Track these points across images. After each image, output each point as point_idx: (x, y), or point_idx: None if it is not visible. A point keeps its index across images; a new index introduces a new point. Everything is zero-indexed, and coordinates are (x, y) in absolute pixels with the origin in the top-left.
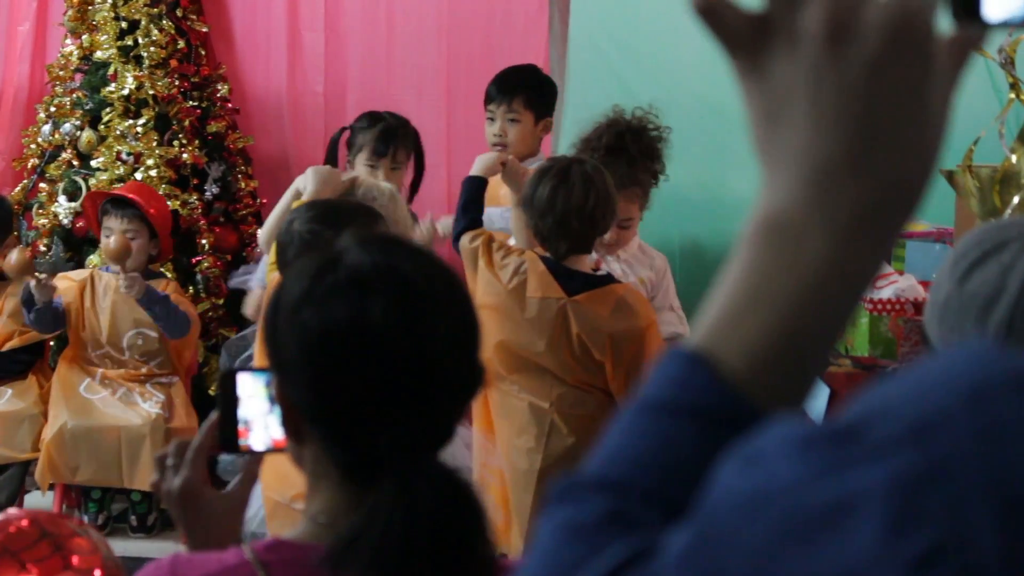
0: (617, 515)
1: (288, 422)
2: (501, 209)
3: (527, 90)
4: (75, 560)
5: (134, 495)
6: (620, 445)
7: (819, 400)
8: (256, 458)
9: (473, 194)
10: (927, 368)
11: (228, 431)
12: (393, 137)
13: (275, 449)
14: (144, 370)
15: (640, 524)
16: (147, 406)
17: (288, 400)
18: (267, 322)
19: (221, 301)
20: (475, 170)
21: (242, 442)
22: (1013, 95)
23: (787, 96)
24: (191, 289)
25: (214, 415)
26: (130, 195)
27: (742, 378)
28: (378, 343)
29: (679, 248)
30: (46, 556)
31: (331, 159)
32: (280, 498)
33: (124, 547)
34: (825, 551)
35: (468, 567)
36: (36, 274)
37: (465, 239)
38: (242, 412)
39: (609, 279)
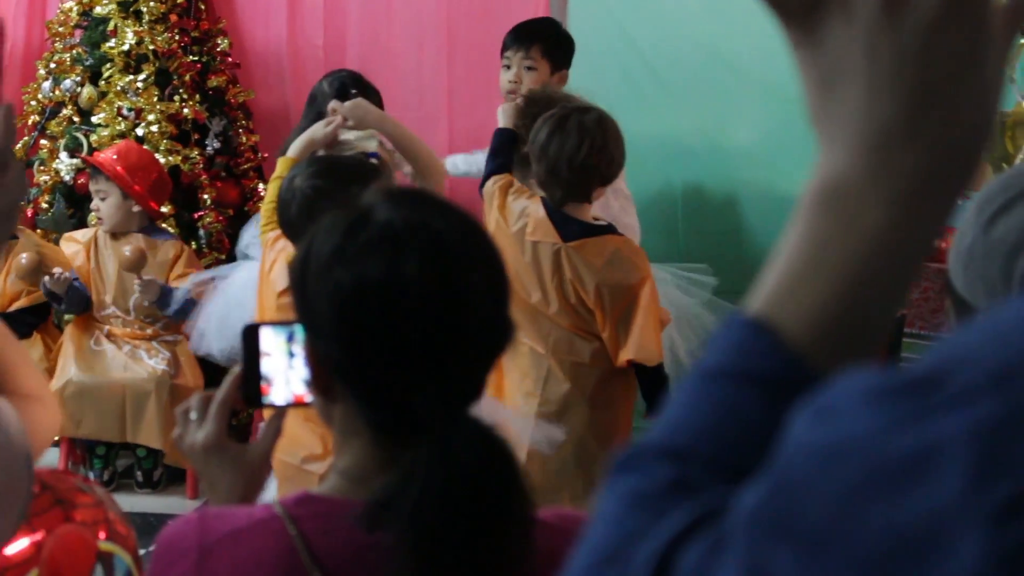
0: (682, 483)
1: (318, 379)
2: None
3: (545, 40)
4: (78, 515)
5: (139, 451)
6: (683, 413)
7: None
8: (279, 412)
9: (503, 143)
10: (1005, 314)
11: (252, 385)
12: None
13: (296, 404)
14: (150, 331)
15: (705, 491)
16: (153, 363)
17: (319, 357)
18: (296, 280)
19: (224, 256)
20: (502, 122)
21: (264, 399)
22: None
23: (842, 64)
24: (194, 244)
25: (236, 369)
26: (96, 159)
27: (803, 345)
28: (413, 299)
29: (682, 194)
30: (46, 508)
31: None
32: (291, 459)
33: (131, 503)
34: (908, 500)
35: (506, 524)
36: (49, 270)
37: (489, 183)
38: (263, 367)
39: (609, 229)
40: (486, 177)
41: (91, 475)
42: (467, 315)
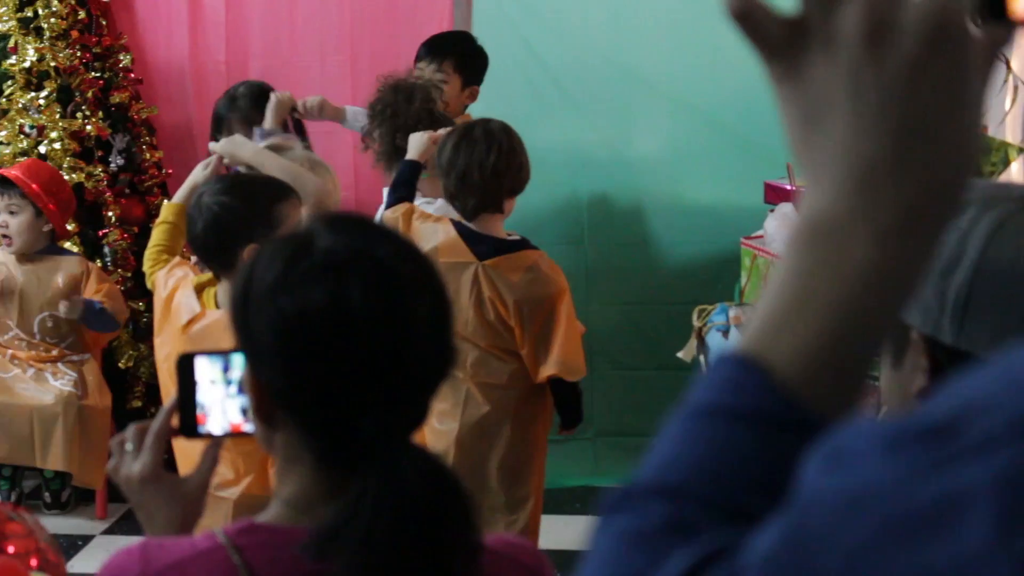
0: (678, 522)
1: (259, 408)
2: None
3: (458, 54)
4: (9, 545)
5: (47, 472)
6: (675, 451)
7: None
8: (216, 443)
9: (407, 176)
10: (1020, 360)
11: (188, 416)
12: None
13: (234, 434)
14: (55, 351)
15: (702, 530)
16: (59, 384)
17: (260, 386)
18: (236, 308)
19: (129, 274)
20: (410, 154)
21: (200, 428)
22: None
23: (825, 99)
24: (99, 262)
25: (172, 399)
26: (11, 173)
27: (793, 381)
28: (357, 328)
29: (587, 205)
30: None
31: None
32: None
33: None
34: (931, 550)
35: (455, 551)
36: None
37: (388, 212)
38: (199, 397)
39: (523, 244)
40: (388, 206)
41: None
42: (412, 342)
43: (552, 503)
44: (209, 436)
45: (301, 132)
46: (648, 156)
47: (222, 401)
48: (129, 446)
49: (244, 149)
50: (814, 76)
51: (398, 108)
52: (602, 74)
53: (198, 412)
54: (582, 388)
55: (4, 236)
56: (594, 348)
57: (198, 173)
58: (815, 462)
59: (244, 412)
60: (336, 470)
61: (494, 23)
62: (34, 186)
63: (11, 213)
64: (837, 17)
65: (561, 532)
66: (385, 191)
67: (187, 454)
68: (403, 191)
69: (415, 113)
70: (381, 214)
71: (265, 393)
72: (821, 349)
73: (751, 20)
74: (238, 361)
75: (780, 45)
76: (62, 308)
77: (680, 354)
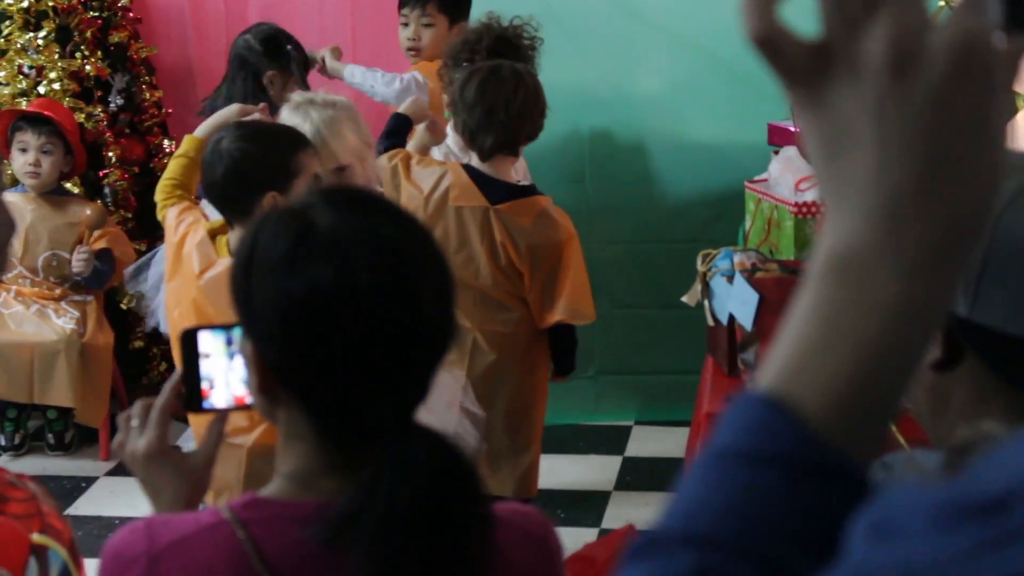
0: (706, 571)
1: (262, 385)
2: None
3: None
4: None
5: (50, 412)
6: (701, 497)
7: (749, 307)
8: (221, 416)
9: (397, 127)
10: None
11: (192, 391)
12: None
13: (238, 407)
14: (58, 290)
15: None
16: (61, 322)
17: (263, 364)
18: (237, 285)
19: (131, 214)
20: (404, 109)
21: (204, 402)
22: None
23: (849, 127)
24: (99, 202)
25: (176, 374)
26: (45, 111)
27: (821, 422)
28: (365, 308)
29: (589, 142)
30: None
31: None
32: None
33: (43, 465)
34: None
35: (469, 528)
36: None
37: (383, 159)
38: (204, 370)
39: (532, 190)
40: (379, 153)
41: (1, 438)
42: (418, 321)
43: (553, 442)
44: (213, 410)
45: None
46: (650, 93)
47: (225, 373)
48: (134, 422)
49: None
50: (838, 104)
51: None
52: (603, 11)
53: (204, 385)
54: (578, 336)
55: (35, 174)
56: (595, 286)
57: (232, 115)
58: (863, 530)
59: (247, 384)
60: (341, 446)
61: None
62: (67, 125)
63: (44, 152)
64: (861, 43)
65: (563, 471)
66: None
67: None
68: (395, 139)
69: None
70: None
71: (268, 371)
72: (850, 387)
73: (773, 46)
74: (239, 334)
75: (803, 72)
76: (75, 264)
77: (684, 298)
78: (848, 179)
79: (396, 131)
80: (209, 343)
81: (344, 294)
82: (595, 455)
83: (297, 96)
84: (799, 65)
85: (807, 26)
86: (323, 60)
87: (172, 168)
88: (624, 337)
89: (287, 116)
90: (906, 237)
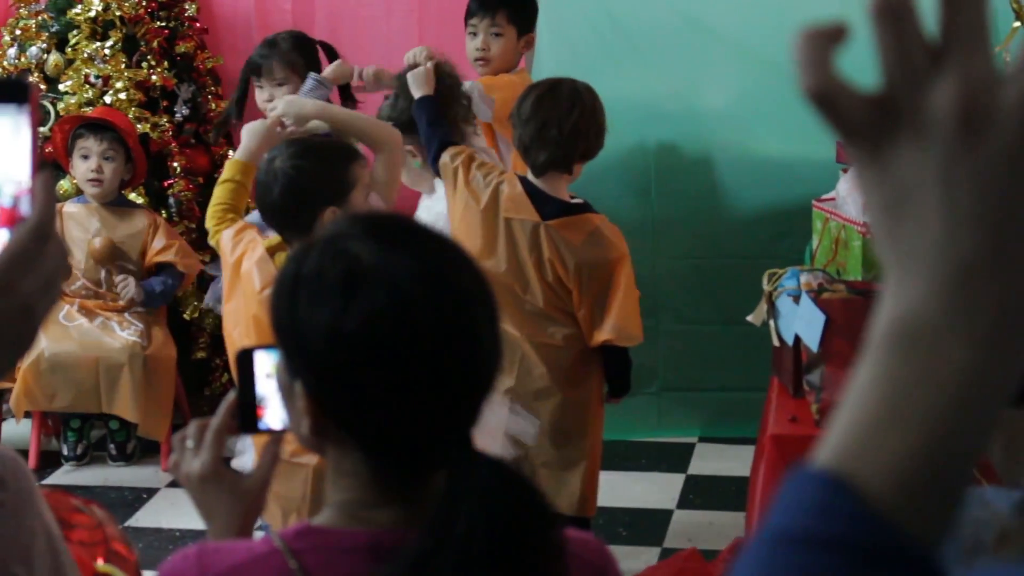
0: None
1: (312, 421)
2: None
3: (510, 5)
4: (75, 535)
5: (112, 423)
6: None
7: (815, 328)
8: (276, 437)
9: (433, 112)
10: None
11: (247, 411)
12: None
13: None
14: (123, 302)
15: None
16: (125, 334)
17: (312, 397)
18: (281, 319)
19: (194, 225)
20: (418, 90)
21: (260, 423)
22: (1018, 23)
23: (914, 187)
24: (164, 213)
25: (231, 395)
26: (107, 118)
27: (887, 503)
28: (420, 342)
29: (655, 157)
30: None
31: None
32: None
33: (104, 475)
34: None
35: (546, 554)
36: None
37: (446, 156)
38: (259, 390)
39: (586, 208)
40: (439, 148)
41: (64, 448)
42: (474, 351)
43: (616, 458)
44: (269, 431)
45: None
46: (717, 108)
47: (278, 394)
48: (189, 443)
49: (306, 106)
50: (901, 162)
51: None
52: (671, 24)
53: (257, 406)
54: (632, 358)
55: (97, 181)
56: (659, 302)
57: (256, 132)
58: None
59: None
60: (395, 478)
61: None
62: (128, 131)
63: (106, 159)
64: (927, 98)
65: (625, 488)
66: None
67: None
68: (443, 128)
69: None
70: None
71: (318, 404)
72: (917, 465)
73: (830, 101)
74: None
75: (863, 128)
76: (121, 294)
77: (749, 318)
78: (912, 243)
79: (436, 117)
80: (263, 362)
81: (398, 329)
82: (658, 472)
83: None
84: (859, 121)
85: (866, 77)
86: (375, 76)
87: (219, 193)
88: (688, 353)
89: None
90: (977, 307)
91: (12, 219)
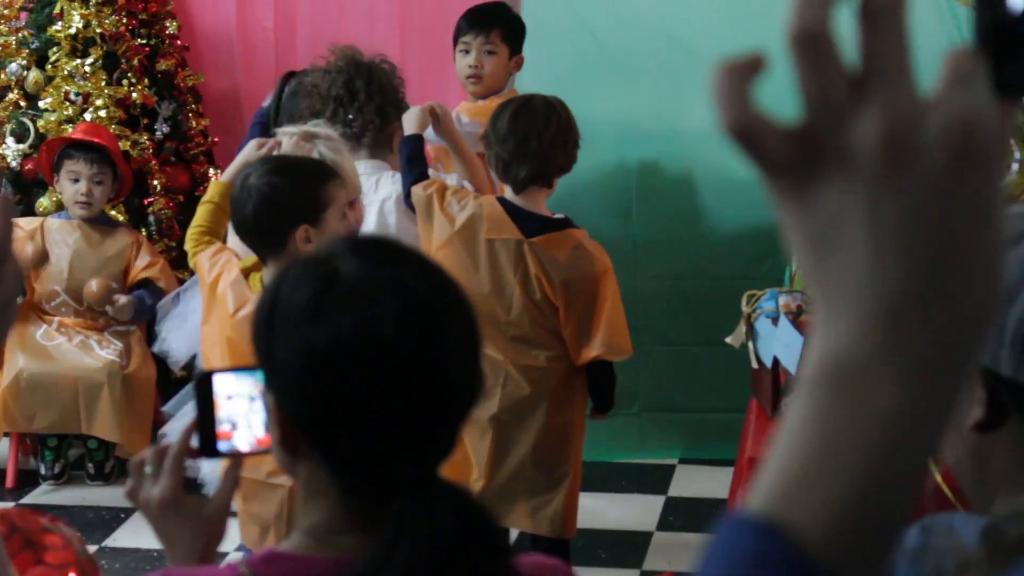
0: None
1: (284, 438)
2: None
3: (504, 24)
4: (48, 557)
5: (91, 443)
6: None
7: (793, 350)
8: (237, 462)
9: (414, 150)
10: None
11: (207, 436)
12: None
13: (261, 450)
14: (101, 320)
15: None
16: (104, 353)
17: (284, 416)
18: (259, 333)
19: (174, 243)
20: (408, 129)
21: (226, 444)
22: None
23: (839, 222)
24: (143, 231)
25: (191, 420)
26: (96, 139)
27: (822, 548)
28: (390, 360)
29: (637, 176)
30: (16, 552)
31: (278, 101)
32: (255, 475)
33: (82, 495)
34: None
35: None
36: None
37: (417, 188)
38: (226, 412)
39: (567, 223)
40: (412, 183)
41: (42, 467)
42: (444, 374)
43: (596, 480)
44: (228, 455)
45: None
46: (699, 128)
47: (247, 415)
48: (148, 468)
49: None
50: (826, 196)
51: (373, 88)
52: (652, 44)
53: (224, 428)
54: (617, 374)
55: (86, 204)
56: (640, 322)
57: (250, 153)
58: None
59: (268, 427)
60: (362, 502)
61: None
62: (116, 151)
63: (96, 182)
64: (850, 130)
65: (605, 510)
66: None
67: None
68: (420, 166)
69: (395, 87)
70: (400, 192)
71: (289, 423)
72: (851, 508)
73: (751, 137)
74: (260, 378)
75: (784, 162)
76: (110, 310)
77: (729, 339)
78: (840, 279)
79: (418, 156)
80: (229, 385)
81: (367, 345)
82: (638, 494)
83: (292, 128)
84: (780, 156)
85: (787, 109)
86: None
87: (200, 215)
88: (669, 374)
89: (292, 150)
90: (909, 343)
91: None
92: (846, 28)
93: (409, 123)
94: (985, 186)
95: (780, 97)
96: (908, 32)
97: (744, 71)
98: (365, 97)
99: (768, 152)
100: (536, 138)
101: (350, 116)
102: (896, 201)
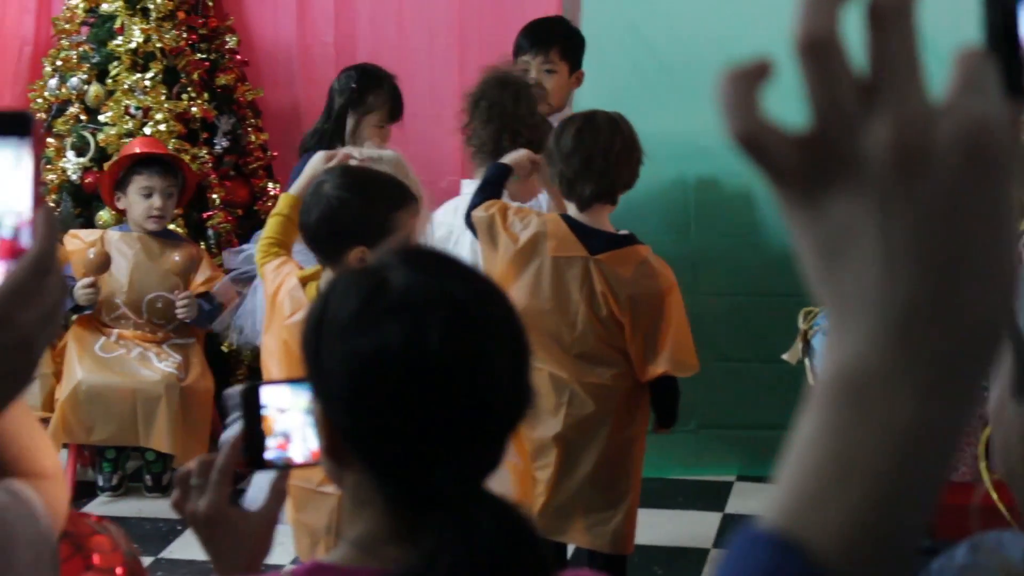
0: None
1: (330, 446)
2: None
3: (563, 41)
4: (96, 559)
5: (148, 454)
6: None
7: None
8: (283, 474)
9: (497, 177)
10: None
11: (254, 447)
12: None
13: (312, 462)
14: (160, 333)
15: None
16: (163, 365)
17: (331, 425)
18: (308, 342)
19: None
20: (507, 159)
21: (274, 454)
22: None
23: (850, 231)
24: (203, 244)
25: (235, 431)
26: (165, 152)
27: (837, 562)
28: (434, 371)
29: (695, 192)
30: (67, 557)
31: (329, 109)
32: (306, 484)
33: (139, 507)
34: None
35: None
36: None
37: (478, 211)
38: (280, 424)
39: (632, 239)
40: (474, 205)
41: (100, 479)
42: (489, 386)
43: (653, 496)
44: (276, 466)
45: None
46: None
47: (302, 428)
48: (194, 481)
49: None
50: (836, 204)
51: (505, 108)
52: (710, 59)
53: (278, 440)
54: (680, 388)
55: (160, 218)
56: (698, 339)
57: (319, 165)
58: None
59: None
60: (408, 513)
61: (602, 7)
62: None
63: (168, 195)
64: (860, 137)
65: (661, 526)
66: (464, 183)
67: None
68: (491, 191)
69: (522, 116)
70: (464, 210)
71: (336, 432)
72: (866, 523)
73: (759, 145)
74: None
75: (793, 171)
76: (179, 312)
77: (785, 356)
78: (851, 289)
79: (496, 182)
80: (284, 398)
81: (412, 356)
82: (694, 511)
83: (357, 151)
84: (789, 164)
85: (795, 116)
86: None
87: (269, 226)
88: (726, 391)
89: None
90: (921, 353)
91: (12, 251)
92: (854, 32)
93: (511, 157)
94: (998, 192)
95: (788, 103)
96: (918, 36)
97: (750, 78)
98: (485, 118)
99: (776, 160)
100: (601, 155)
101: (469, 133)
102: (908, 209)
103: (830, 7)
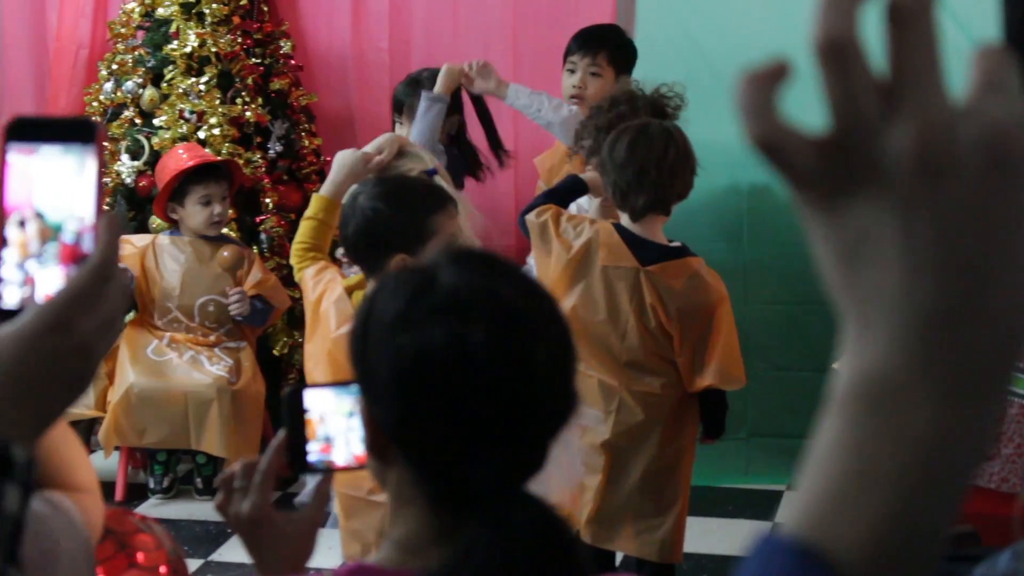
0: None
1: (374, 443)
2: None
3: (612, 46)
4: (140, 557)
5: (199, 457)
6: None
7: None
8: (327, 478)
9: (570, 190)
10: None
11: (296, 450)
12: (407, 96)
13: (358, 466)
14: (212, 337)
15: None
16: (214, 369)
17: (375, 422)
18: (355, 341)
19: (285, 261)
20: (586, 177)
21: (317, 457)
22: None
23: (871, 235)
24: (255, 248)
25: (280, 436)
26: (215, 159)
27: (859, 572)
28: (477, 370)
29: (748, 200)
30: (111, 555)
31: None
32: (356, 492)
33: (190, 509)
34: None
35: None
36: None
37: (531, 216)
38: (323, 428)
39: (684, 251)
40: (529, 208)
41: (151, 481)
42: (532, 388)
43: (703, 504)
44: (319, 469)
45: (483, 114)
46: None
47: (345, 432)
48: (237, 483)
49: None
50: (857, 209)
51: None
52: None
53: (320, 444)
54: (729, 399)
55: (219, 224)
56: (750, 348)
57: (355, 166)
58: None
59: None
60: (449, 512)
61: (656, 15)
62: (237, 172)
63: (223, 199)
64: (882, 142)
65: (712, 535)
66: (540, 184)
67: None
68: (556, 200)
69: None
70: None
71: (380, 429)
72: (887, 531)
73: (779, 149)
74: (356, 392)
75: (814, 174)
76: (232, 308)
77: (836, 365)
78: (872, 295)
79: (568, 193)
80: (327, 402)
81: (456, 355)
82: (744, 519)
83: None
84: (809, 169)
85: (814, 119)
86: (484, 68)
87: (302, 231)
88: (778, 400)
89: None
90: (943, 359)
91: (74, 256)
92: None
93: (592, 182)
94: (1021, 195)
95: (808, 106)
96: (938, 36)
97: (768, 80)
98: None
99: (795, 164)
100: (654, 166)
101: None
102: (930, 214)
103: (848, 8)
